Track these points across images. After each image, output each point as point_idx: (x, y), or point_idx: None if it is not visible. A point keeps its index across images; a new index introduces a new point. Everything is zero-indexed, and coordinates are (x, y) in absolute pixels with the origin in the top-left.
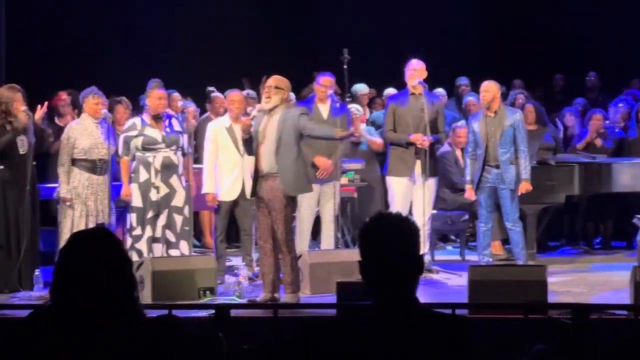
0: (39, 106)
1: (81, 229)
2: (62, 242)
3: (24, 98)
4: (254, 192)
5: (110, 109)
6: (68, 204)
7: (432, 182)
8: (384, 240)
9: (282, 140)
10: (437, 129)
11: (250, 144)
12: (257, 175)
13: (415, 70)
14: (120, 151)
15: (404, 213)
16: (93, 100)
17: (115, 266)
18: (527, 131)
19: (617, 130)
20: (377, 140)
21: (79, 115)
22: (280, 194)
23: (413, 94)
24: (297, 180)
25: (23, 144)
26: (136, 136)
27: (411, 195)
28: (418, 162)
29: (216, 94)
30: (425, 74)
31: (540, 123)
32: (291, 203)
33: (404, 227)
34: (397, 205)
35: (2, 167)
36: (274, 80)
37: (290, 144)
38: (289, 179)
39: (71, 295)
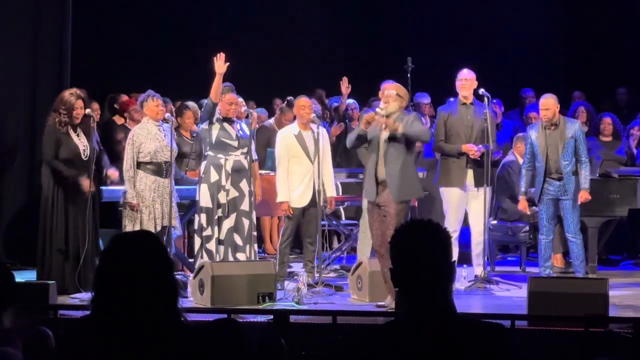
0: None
1: (123, 232)
2: None
3: (86, 103)
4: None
5: (178, 114)
6: (135, 209)
7: (485, 191)
8: (415, 247)
9: (390, 146)
10: (488, 139)
11: (363, 139)
12: (376, 182)
13: (467, 80)
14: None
15: (458, 224)
16: (153, 102)
17: (157, 270)
18: (586, 141)
19: None
20: None
21: None
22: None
23: (464, 104)
24: (402, 186)
25: (86, 150)
26: (214, 123)
27: (465, 206)
28: (470, 172)
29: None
30: (475, 84)
31: (616, 136)
32: (405, 209)
33: (435, 233)
34: (450, 216)
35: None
36: (395, 87)
37: (397, 151)
38: (395, 185)
39: (111, 298)
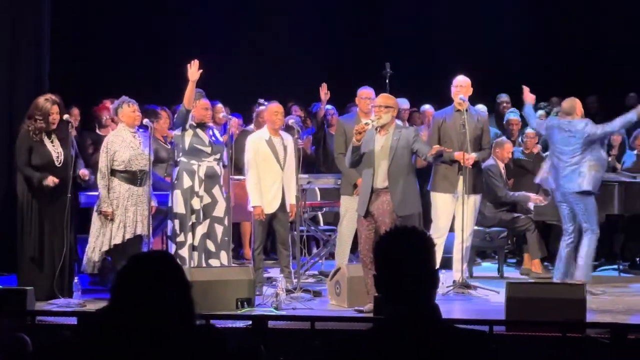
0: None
1: (141, 252)
2: (91, 251)
3: (62, 109)
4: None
5: (148, 117)
6: (109, 218)
7: (475, 199)
8: (399, 255)
9: (396, 158)
10: (482, 145)
11: (357, 153)
12: (371, 191)
13: (462, 87)
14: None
15: (446, 230)
16: (129, 108)
17: (175, 292)
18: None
19: None
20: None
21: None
22: (391, 209)
23: (458, 110)
24: (405, 199)
25: (59, 157)
26: (188, 129)
27: (453, 212)
28: (461, 179)
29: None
30: (470, 91)
31: None
32: (400, 220)
33: (419, 240)
34: (439, 221)
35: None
36: (383, 99)
37: (403, 163)
38: (398, 198)
39: (129, 320)
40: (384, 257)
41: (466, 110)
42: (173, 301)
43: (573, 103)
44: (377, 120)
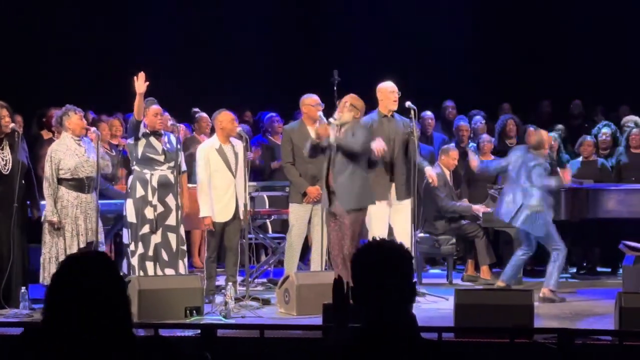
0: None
1: (74, 252)
2: (47, 261)
3: (10, 114)
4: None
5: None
6: (56, 227)
7: (408, 202)
8: (376, 268)
9: (336, 156)
10: (409, 151)
11: (318, 150)
12: (329, 191)
13: (398, 93)
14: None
15: (383, 236)
16: (76, 116)
17: (110, 292)
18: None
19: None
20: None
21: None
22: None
23: (385, 116)
24: (350, 195)
25: (7, 165)
26: (140, 138)
27: (388, 220)
28: (393, 185)
29: (201, 114)
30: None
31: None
32: (358, 218)
33: (399, 253)
34: (374, 228)
35: None
36: (351, 98)
37: (343, 161)
38: (343, 195)
39: (64, 321)
40: (361, 269)
41: (392, 116)
42: (109, 299)
43: (541, 137)
44: (339, 119)
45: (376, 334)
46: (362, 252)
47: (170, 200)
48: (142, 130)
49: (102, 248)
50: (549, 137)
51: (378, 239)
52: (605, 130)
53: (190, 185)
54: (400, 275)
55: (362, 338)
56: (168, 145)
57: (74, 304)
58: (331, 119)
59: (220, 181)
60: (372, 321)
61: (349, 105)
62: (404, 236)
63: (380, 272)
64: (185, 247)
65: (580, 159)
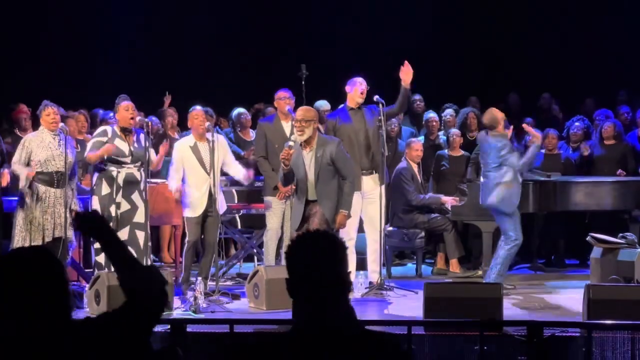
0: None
1: (20, 247)
2: None
3: None
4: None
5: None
6: (36, 167)
7: (380, 190)
8: (309, 259)
9: (322, 176)
10: (383, 145)
11: (290, 177)
12: (305, 203)
13: (361, 86)
14: (85, 153)
15: (354, 231)
16: (45, 112)
17: (50, 288)
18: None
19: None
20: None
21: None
22: (321, 212)
23: (352, 109)
24: (334, 207)
25: None
26: (105, 143)
27: (360, 213)
28: (365, 179)
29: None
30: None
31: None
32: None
33: (329, 244)
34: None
35: None
36: (302, 112)
37: (329, 179)
38: (329, 209)
39: (2, 314)
40: (294, 261)
41: (359, 108)
42: (49, 297)
43: (492, 114)
44: (300, 136)
45: (312, 327)
46: (293, 244)
47: (136, 197)
48: (108, 136)
49: (73, 244)
50: (502, 114)
51: (312, 230)
52: (578, 124)
53: (155, 181)
54: (334, 266)
55: (298, 332)
56: (136, 145)
57: (12, 296)
58: (290, 142)
59: (194, 178)
60: (307, 314)
61: (302, 122)
62: (374, 230)
63: (310, 264)
64: (150, 244)
65: (544, 151)
